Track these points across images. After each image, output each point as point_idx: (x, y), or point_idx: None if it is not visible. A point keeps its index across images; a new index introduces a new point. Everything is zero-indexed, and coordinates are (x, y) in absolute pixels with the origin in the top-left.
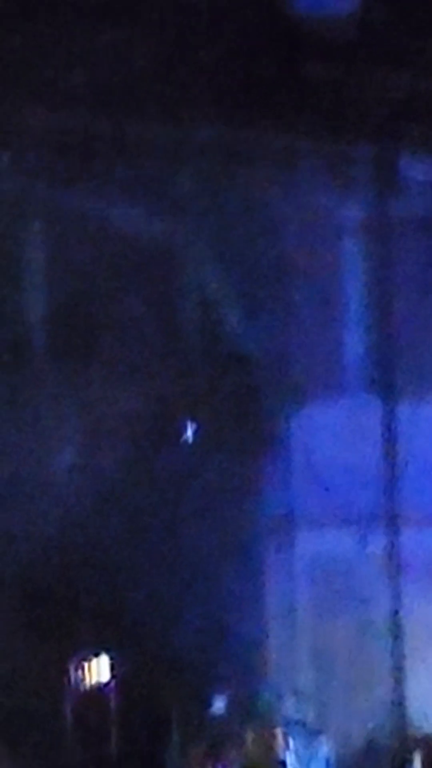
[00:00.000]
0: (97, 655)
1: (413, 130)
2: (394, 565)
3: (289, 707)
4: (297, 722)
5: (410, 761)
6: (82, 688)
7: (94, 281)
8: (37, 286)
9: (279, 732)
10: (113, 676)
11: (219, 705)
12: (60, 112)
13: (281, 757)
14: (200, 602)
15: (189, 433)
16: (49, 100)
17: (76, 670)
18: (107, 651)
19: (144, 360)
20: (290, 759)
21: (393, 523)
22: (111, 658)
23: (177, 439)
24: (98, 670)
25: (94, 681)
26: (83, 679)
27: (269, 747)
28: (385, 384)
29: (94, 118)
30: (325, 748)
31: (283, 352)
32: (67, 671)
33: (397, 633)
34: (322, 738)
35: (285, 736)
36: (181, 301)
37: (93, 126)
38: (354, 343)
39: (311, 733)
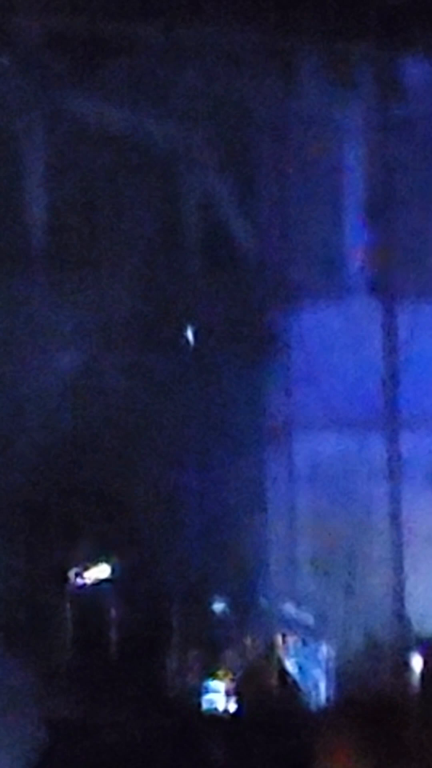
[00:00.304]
0: (96, 558)
1: (416, 31)
2: (395, 468)
3: (289, 612)
4: (296, 627)
5: (409, 664)
6: (81, 592)
7: (93, 184)
8: (37, 189)
9: (278, 637)
10: (112, 580)
11: (219, 609)
12: (60, 14)
13: (281, 661)
14: (199, 506)
15: (189, 335)
16: (49, 0)
17: (75, 573)
18: (107, 554)
19: (144, 263)
20: (290, 663)
21: (393, 426)
22: (110, 562)
23: (177, 342)
24: (98, 573)
25: (93, 584)
26: (83, 583)
27: (268, 651)
28: (386, 286)
29: (94, 19)
30: (324, 651)
31: (283, 255)
32: (66, 575)
33: (397, 537)
34: (322, 642)
35: (284, 640)
36: (181, 203)
37: (93, 28)
38: (354, 245)
39: (311, 637)
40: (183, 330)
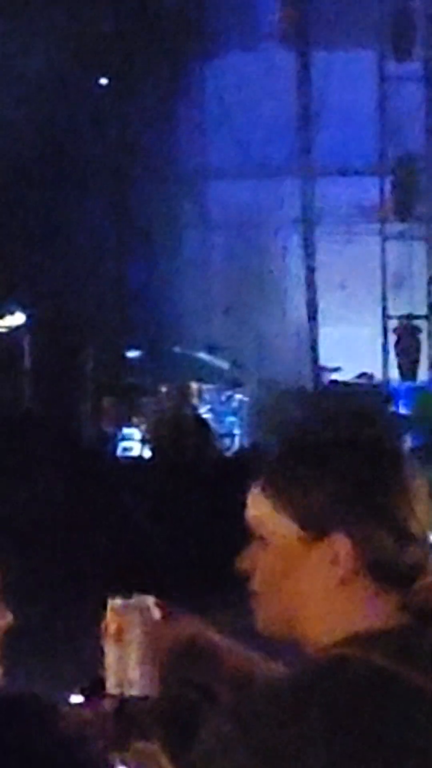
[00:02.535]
0: (11, 305)
1: None
2: (308, 216)
3: (203, 360)
4: (211, 374)
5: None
6: None
7: None
8: None
9: (193, 385)
10: (27, 327)
11: (133, 357)
12: None
13: (195, 408)
14: (114, 254)
15: (102, 82)
16: None
17: None
18: (22, 302)
19: (61, 17)
20: (204, 410)
21: (307, 174)
22: (25, 310)
23: (91, 89)
24: (12, 321)
25: (7, 331)
26: None
27: (183, 399)
28: (298, 32)
29: None
30: (238, 398)
31: (197, 2)
32: None
33: (310, 283)
34: (236, 389)
35: (199, 388)
36: None
37: None
38: None
39: (225, 384)
40: (96, 78)
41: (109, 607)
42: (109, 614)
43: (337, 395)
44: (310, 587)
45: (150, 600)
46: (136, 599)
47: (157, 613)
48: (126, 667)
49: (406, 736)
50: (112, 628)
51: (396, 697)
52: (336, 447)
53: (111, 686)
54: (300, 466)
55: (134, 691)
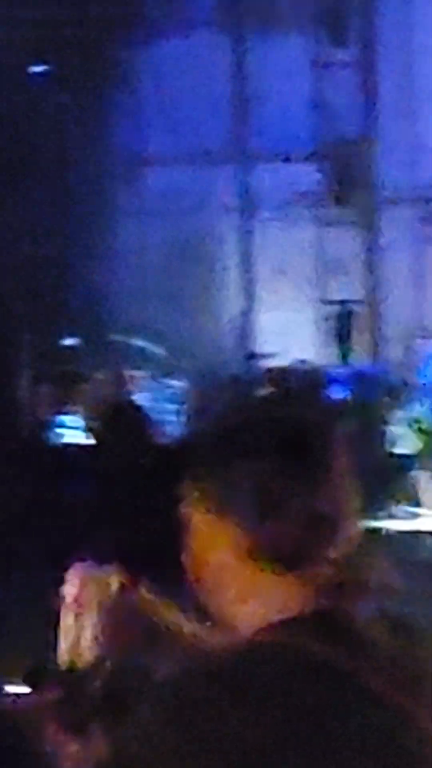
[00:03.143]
0: None
1: None
2: (245, 202)
3: (140, 347)
4: (147, 361)
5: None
6: None
7: None
8: None
9: (128, 372)
10: None
11: (70, 342)
12: None
13: (131, 396)
14: (51, 243)
15: (38, 68)
16: None
17: None
18: None
19: None
20: (141, 397)
21: (244, 158)
22: None
23: (27, 76)
24: None
25: None
26: None
27: (120, 387)
28: (233, 18)
29: None
30: (175, 384)
31: None
32: None
33: (248, 269)
34: (172, 376)
35: (135, 375)
36: None
37: None
38: None
39: (162, 372)
40: (31, 64)
41: (70, 573)
42: (69, 580)
43: (273, 380)
44: (225, 575)
45: (114, 571)
46: (100, 569)
47: (116, 586)
48: (79, 637)
49: (340, 722)
50: (71, 595)
51: (324, 681)
52: (248, 431)
53: (61, 655)
54: (215, 453)
55: (83, 664)
